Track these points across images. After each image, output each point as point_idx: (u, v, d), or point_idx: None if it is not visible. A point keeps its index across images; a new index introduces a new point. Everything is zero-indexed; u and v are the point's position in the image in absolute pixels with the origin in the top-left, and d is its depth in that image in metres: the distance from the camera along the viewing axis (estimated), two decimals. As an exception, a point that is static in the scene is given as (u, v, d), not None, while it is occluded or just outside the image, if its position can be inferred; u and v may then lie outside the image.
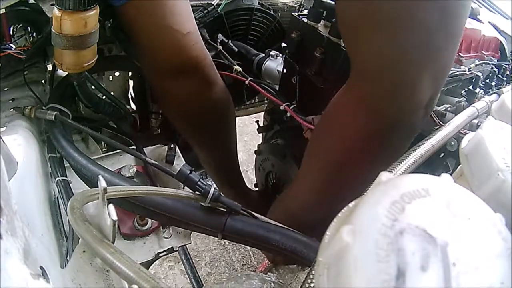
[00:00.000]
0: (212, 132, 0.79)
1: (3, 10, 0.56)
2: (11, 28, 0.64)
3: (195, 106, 0.72)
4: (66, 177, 0.58)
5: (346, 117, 0.54)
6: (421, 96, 0.48)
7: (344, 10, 0.50)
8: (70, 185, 0.57)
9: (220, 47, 0.90)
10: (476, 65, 0.87)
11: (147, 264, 0.61)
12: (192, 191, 0.47)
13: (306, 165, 0.65)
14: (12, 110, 0.65)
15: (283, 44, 0.83)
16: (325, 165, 0.59)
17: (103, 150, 0.85)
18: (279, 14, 1.03)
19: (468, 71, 0.82)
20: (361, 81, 0.51)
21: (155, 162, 0.54)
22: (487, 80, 0.89)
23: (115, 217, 0.32)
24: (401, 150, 0.50)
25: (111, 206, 0.32)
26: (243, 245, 1.27)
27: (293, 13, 0.80)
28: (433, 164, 0.66)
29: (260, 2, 0.98)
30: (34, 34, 0.67)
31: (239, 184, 0.96)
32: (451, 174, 0.29)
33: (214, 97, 0.73)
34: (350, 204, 0.27)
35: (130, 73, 0.89)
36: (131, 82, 0.92)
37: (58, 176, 0.57)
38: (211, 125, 0.78)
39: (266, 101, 1.19)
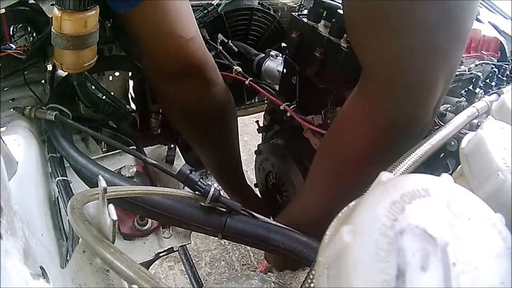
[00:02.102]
0: (213, 133, 0.79)
1: (3, 10, 0.56)
2: (11, 28, 0.64)
3: (197, 107, 0.72)
4: (66, 177, 0.58)
5: (359, 123, 0.54)
6: (432, 98, 0.48)
7: (348, 11, 0.49)
8: (70, 185, 0.57)
9: (220, 47, 0.90)
10: (476, 65, 0.87)
11: (147, 264, 0.61)
12: (192, 191, 0.47)
13: (315, 173, 0.64)
14: (12, 110, 0.65)
15: (283, 44, 0.83)
16: (337, 172, 0.59)
17: (103, 150, 0.85)
18: (279, 14, 1.03)
19: (468, 71, 0.82)
20: (373, 85, 0.51)
21: (155, 162, 0.54)
22: (487, 80, 0.89)
23: (115, 217, 0.32)
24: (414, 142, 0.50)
25: (111, 206, 0.32)
26: (243, 245, 1.27)
27: (293, 13, 0.80)
28: (433, 164, 0.65)
29: (260, 2, 0.98)
30: (34, 34, 0.67)
31: (241, 185, 0.96)
32: (451, 174, 0.29)
33: (215, 98, 0.73)
34: (350, 204, 0.27)
35: (130, 73, 0.89)
36: (131, 82, 0.92)
37: (58, 176, 0.57)
38: (212, 126, 0.78)
39: (266, 101, 1.19)
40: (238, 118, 1.27)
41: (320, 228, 0.61)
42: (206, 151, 0.84)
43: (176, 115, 0.76)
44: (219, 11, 0.88)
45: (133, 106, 0.96)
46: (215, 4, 0.87)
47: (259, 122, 1.07)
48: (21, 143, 0.58)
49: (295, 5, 1.06)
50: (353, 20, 0.50)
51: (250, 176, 1.79)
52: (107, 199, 0.34)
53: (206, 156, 0.86)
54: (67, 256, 0.49)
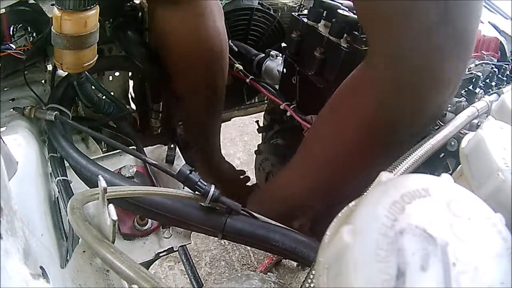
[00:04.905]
0: (198, 77, 0.78)
1: (3, 10, 0.56)
2: (11, 28, 0.64)
3: (184, 40, 0.72)
4: (67, 177, 0.58)
5: (358, 99, 0.52)
6: (439, 84, 0.47)
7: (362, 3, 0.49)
8: (70, 185, 0.57)
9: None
10: (476, 65, 0.87)
11: (147, 264, 0.61)
12: (192, 191, 0.47)
13: (306, 147, 0.63)
14: (12, 110, 0.65)
15: (283, 44, 0.83)
16: (332, 148, 0.56)
17: (103, 150, 0.85)
18: (279, 14, 1.03)
19: (468, 71, 0.82)
20: (380, 63, 0.49)
21: (155, 162, 0.54)
22: (487, 80, 0.89)
23: (115, 217, 0.32)
24: (410, 144, 0.48)
25: (111, 206, 0.32)
26: (243, 245, 1.27)
27: (293, 13, 0.80)
28: (433, 164, 0.65)
29: (260, 2, 0.98)
30: (34, 34, 0.67)
31: (215, 153, 0.93)
32: (451, 174, 0.29)
33: (203, 31, 0.73)
34: (350, 204, 0.27)
35: (130, 73, 0.89)
36: (131, 82, 0.92)
37: (59, 176, 0.57)
38: (198, 67, 0.76)
39: (266, 101, 1.19)
40: (238, 118, 1.27)
41: (296, 207, 0.60)
42: (187, 93, 0.82)
43: (164, 44, 0.75)
44: (218, 11, 0.88)
45: (133, 106, 0.96)
46: (215, 4, 0.87)
47: (259, 122, 1.07)
48: (21, 143, 0.58)
49: (295, 5, 1.06)
50: (366, 11, 0.49)
51: (251, 176, 1.79)
52: (107, 199, 0.34)
53: (186, 101, 0.84)
54: (67, 256, 0.49)
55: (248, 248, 1.51)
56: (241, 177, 1.02)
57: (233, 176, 1.00)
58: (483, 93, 0.80)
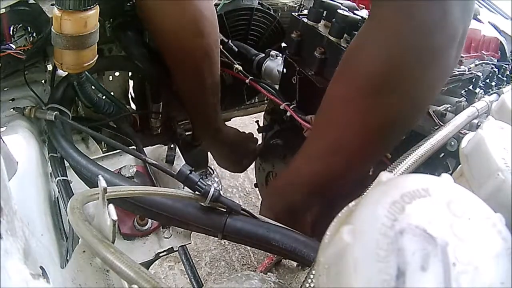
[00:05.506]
0: (194, 57, 0.76)
1: (3, 10, 0.56)
2: (11, 28, 0.64)
3: (179, 26, 0.71)
4: (67, 177, 0.58)
5: (374, 49, 0.51)
6: (453, 26, 0.47)
7: None
8: (70, 185, 0.57)
9: (220, 47, 0.90)
10: (476, 65, 0.87)
11: (147, 264, 0.61)
12: (192, 191, 0.47)
13: (318, 119, 0.63)
14: (12, 110, 0.65)
15: (283, 44, 0.83)
16: (346, 102, 0.55)
17: (103, 150, 0.85)
18: (279, 14, 1.03)
19: (468, 71, 0.82)
20: (386, 14, 0.49)
21: (155, 162, 0.54)
22: (487, 80, 0.89)
23: (115, 217, 0.32)
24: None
25: (111, 206, 0.32)
26: (243, 245, 1.27)
27: (293, 13, 0.80)
28: (433, 164, 0.65)
29: (260, 2, 0.98)
30: (34, 34, 0.67)
31: (214, 120, 0.91)
32: (451, 174, 0.29)
33: (197, 15, 0.72)
34: (350, 204, 0.27)
35: (130, 73, 0.89)
36: (131, 82, 0.92)
37: (59, 176, 0.57)
38: (194, 49, 0.75)
39: (266, 101, 1.19)
40: (238, 118, 1.27)
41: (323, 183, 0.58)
42: (180, 73, 0.80)
43: (154, 29, 0.74)
44: (217, 10, 0.88)
45: (133, 106, 0.96)
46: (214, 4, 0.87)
47: (259, 122, 1.07)
48: (21, 143, 0.58)
49: (295, 5, 1.07)
50: None
51: (250, 176, 1.79)
52: (107, 199, 0.34)
53: (183, 84, 0.82)
54: (67, 256, 0.49)
55: (248, 248, 1.51)
56: (247, 137, 1.04)
57: (239, 138, 1.01)
58: (483, 93, 0.80)
